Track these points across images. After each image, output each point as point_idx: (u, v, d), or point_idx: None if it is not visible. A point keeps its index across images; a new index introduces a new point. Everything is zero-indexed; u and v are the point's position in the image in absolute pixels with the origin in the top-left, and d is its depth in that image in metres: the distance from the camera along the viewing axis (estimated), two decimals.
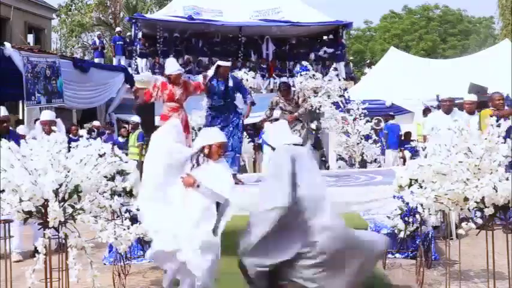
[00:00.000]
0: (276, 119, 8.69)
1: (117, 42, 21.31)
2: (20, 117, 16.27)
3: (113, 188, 4.41)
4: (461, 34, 43.21)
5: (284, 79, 18.56)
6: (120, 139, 14.22)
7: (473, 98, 8.68)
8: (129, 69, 18.53)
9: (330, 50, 20.37)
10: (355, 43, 44.03)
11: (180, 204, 4.71)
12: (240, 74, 16.07)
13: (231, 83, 8.26)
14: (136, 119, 13.82)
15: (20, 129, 11.17)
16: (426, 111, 14.75)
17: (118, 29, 23.49)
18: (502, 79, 14.77)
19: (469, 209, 4.14)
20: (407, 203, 5.77)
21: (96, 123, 15.98)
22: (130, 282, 5.69)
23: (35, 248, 3.77)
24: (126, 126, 15.57)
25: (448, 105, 8.34)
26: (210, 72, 8.40)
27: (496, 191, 4.02)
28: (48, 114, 7.99)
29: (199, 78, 8.59)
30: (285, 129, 5.24)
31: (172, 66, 7.94)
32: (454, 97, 8.77)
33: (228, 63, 8.50)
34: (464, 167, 4.16)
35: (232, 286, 5.74)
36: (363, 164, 14.00)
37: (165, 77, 8.07)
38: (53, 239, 4.03)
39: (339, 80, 15.82)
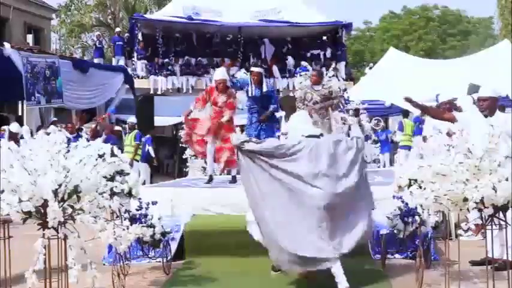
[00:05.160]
0: None
1: (117, 43, 21.31)
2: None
3: (112, 188, 4.41)
4: (461, 34, 43.17)
5: (284, 80, 18.56)
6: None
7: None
8: (129, 69, 18.54)
9: (330, 51, 20.37)
10: (355, 43, 44.00)
11: None
12: (239, 74, 16.05)
13: (265, 88, 8.57)
14: (133, 119, 13.85)
15: (13, 127, 11.10)
16: (406, 112, 14.95)
17: (117, 29, 23.48)
18: (501, 79, 14.76)
19: (468, 209, 4.14)
20: (407, 204, 5.77)
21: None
22: (129, 283, 5.69)
23: None
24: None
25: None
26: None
27: (496, 192, 4.02)
28: None
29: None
30: (304, 120, 5.36)
31: (217, 73, 8.51)
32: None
33: (258, 69, 8.82)
34: (464, 167, 4.16)
35: (233, 286, 5.76)
36: None
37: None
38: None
39: (338, 80, 15.78)
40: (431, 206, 4.32)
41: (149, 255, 6.22)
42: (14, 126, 11.21)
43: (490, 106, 5.95)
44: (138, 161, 13.09)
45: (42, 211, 3.92)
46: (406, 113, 15.11)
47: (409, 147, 14.08)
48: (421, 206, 4.49)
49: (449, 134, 5.95)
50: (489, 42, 33.15)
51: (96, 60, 21.01)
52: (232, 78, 9.11)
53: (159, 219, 6.02)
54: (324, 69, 17.66)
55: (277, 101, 9.05)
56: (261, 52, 20.58)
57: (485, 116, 5.85)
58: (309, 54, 20.24)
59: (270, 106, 8.60)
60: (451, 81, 16.16)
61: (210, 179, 8.35)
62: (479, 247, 5.49)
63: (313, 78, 9.33)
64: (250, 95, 8.53)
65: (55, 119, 15.18)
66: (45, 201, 3.89)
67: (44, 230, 3.94)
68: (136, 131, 13.45)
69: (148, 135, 14.31)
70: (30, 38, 24.71)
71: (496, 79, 14.43)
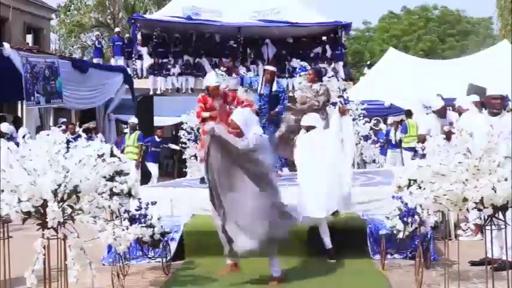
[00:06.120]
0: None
1: (116, 43, 21.28)
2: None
3: (112, 188, 4.42)
4: (460, 35, 43.17)
5: (283, 80, 18.53)
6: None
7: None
8: (128, 69, 18.52)
9: (329, 51, 20.35)
10: (354, 43, 44.01)
11: None
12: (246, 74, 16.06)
13: (275, 87, 8.58)
14: (134, 120, 13.87)
15: (4, 127, 11.04)
16: (409, 112, 14.91)
17: (117, 29, 23.45)
18: (501, 80, 14.78)
19: (467, 209, 4.15)
20: (406, 204, 5.78)
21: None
22: (129, 283, 5.69)
23: None
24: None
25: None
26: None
27: (495, 192, 4.02)
28: None
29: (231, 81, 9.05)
30: (253, 119, 5.76)
31: (210, 78, 8.44)
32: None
33: (272, 67, 8.81)
34: (464, 167, 4.16)
35: (233, 286, 5.75)
36: (363, 164, 13.99)
37: (205, 88, 8.55)
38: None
39: (338, 80, 15.80)
40: (431, 206, 4.32)
41: (149, 256, 6.21)
42: (4, 126, 11.10)
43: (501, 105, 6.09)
44: (140, 162, 13.21)
45: (42, 211, 3.92)
46: (409, 113, 15.00)
47: (413, 149, 14.01)
48: (421, 206, 4.49)
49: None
50: (489, 43, 33.17)
51: (95, 60, 20.99)
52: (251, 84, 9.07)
53: (158, 219, 6.02)
54: (323, 69, 17.75)
55: (284, 102, 9.01)
56: (263, 52, 20.54)
57: (496, 114, 5.91)
58: (309, 55, 20.20)
59: (278, 106, 8.61)
60: (450, 81, 16.19)
61: (202, 180, 8.36)
62: (478, 247, 5.50)
63: (308, 76, 9.28)
64: (259, 92, 8.45)
65: (64, 119, 15.24)
66: (45, 201, 3.89)
67: (43, 230, 3.94)
68: (138, 131, 13.48)
69: (152, 136, 14.43)
70: (29, 38, 24.71)
71: (495, 79, 14.46)
